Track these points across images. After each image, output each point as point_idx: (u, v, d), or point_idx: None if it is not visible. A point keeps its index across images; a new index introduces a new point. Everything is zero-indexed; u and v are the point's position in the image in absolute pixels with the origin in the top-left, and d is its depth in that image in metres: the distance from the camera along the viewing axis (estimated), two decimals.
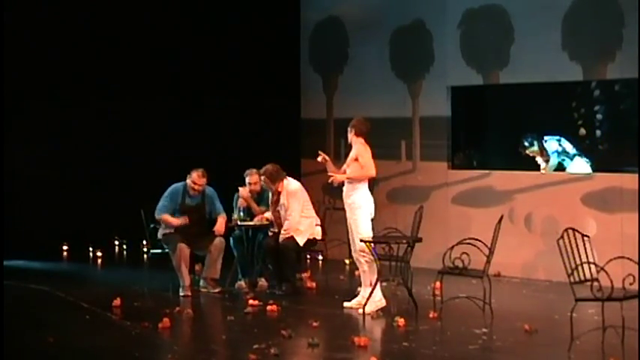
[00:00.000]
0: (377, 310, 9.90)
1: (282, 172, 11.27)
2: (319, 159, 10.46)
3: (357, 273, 10.75)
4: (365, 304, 9.89)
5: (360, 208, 10.00)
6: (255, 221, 11.41)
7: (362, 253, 9.99)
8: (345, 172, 10.17)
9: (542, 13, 12.44)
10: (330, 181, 10.20)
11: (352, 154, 10.13)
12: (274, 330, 9.08)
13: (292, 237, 11.07)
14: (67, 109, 13.97)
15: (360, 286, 10.28)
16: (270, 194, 11.64)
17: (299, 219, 11.08)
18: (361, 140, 10.15)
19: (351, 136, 10.21)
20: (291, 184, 11.26)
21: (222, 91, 14.70)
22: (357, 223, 9.96)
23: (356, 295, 10.28)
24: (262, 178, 11.28)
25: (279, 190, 11.22)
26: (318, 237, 11.35)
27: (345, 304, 10.24)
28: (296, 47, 15.13)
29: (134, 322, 9.48)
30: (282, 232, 11.09)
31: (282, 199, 11.17)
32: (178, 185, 11.33)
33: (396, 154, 13.80)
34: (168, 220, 11.16)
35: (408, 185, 13.68)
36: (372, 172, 10.10)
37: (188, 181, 11.25)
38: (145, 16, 14.38)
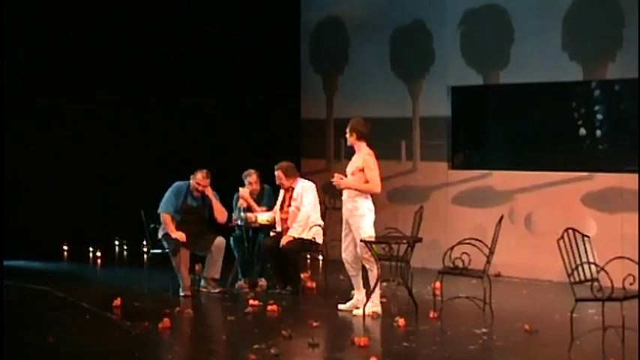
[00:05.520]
0: (373, 312, 9.89)
1: (297, 170, 11.52)
2: (334, 181, 10.27)
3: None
4: (365, 305, 9.87)
5: (364, 216, 9.91)
6: (257, 216, 11.42)
7: (366, 260, 9.91)
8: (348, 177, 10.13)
9: (542, 13, 12.45)
10: (334, 182, 9.94)
11: (359, 164, 9.92)
12: (274, 330, 9.08)
13: (294, 239, 11.10)
14: (67, 110, 13.96)
15: (354, 289, 10.26)
16: (268, 195, 11.67)
17: (310, 214, 11.18)
18: (364, 145, 9.98)
19: (352, 140, 10.01)
20: (306, 182, 11.41)
21: (222, 91, 14.71)
22: (361, 232, 9.89)
23: (350, 299, 10.26)
24: (277, 173, 11.33)
25: (293, 186, 11.27)
26: (318, 239, 11.36)
27: (340, 306, 10.22)
28: (296, 47, 15.13)
29: (134, 322, 9.48)
30: (293, 225, 11.13)
31: (296, 195, 11.23)
32: (182, 183, 11.34)
33: (396, 154, 13.80)
34: (168, 224, 11.15)
35: (408, 185, 13.69)
36: (378, 190, 9.92)
37: (192, 181, 11.26)
38: (146, 16, 14.38)
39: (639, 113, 11.64)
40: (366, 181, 9.88)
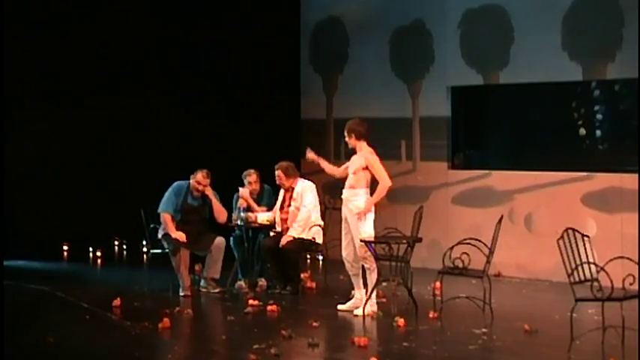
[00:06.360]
0: (373, 311, 9.89)
1: (297, 170, 11.55)
2: (309, 156, 10.46)
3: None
4: (364, 306, 9.87)
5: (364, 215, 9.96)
6: (257, 216, 11.42)
7: (365, 260, 9.92)
8: (339, 170, 10.16)
9: (542, 13, 12.45)
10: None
11: (362, 162, 9.94)
12: (274, 330, 9.08)
13: (293, 239, 11.11)
14: (67, 109, 13.97)
15: (354, 289, 10.26)
16: (268, 195, 11.68)
17: (311, 214, 11.18)
18: (365, 144, 10.01)
19: (352, 141, 10.04)
20: (306, 182, 11.42)
21: (222, 91, 14.71)
22: (361, 231, 9.89)
23: (350, 299, 10.26)
24: (277, 172, 11.34)
25: (293, 186, 11.28)
26: (318, 239, 11.37)
27: (340, 306, 10.21)
28: (296, 47, 15.13)
29: (134, 322, 9.48)
30: (293, 225, 11.14)
31: (296, 195, 11.24)
32: (182, 183, 11.34)
33: (396, 154, 13.80)
34: (168, 223, 11.15)
35: (408, 185, 13.68)
36: (389, 183, 9.92)
37: (192, 181, 11.27)
38: (145, 16, 14.38)
39: (639, 113, 11.64)
40: (372, 178, 9.91)
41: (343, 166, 10.27)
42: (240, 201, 11.54)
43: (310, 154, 10.58)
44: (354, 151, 10.14)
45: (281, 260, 11.17)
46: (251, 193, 11.62)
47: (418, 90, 13.75)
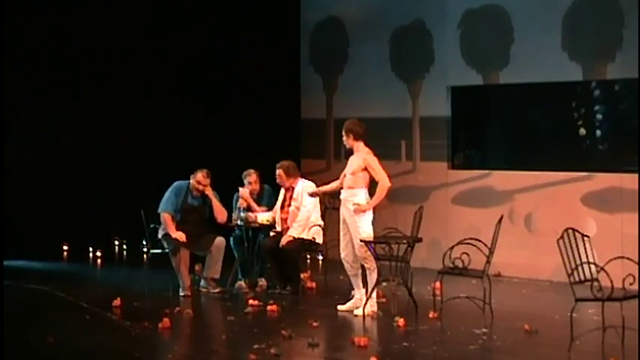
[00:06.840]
0: (373, 311, 9.89)
1: (298, 170, 11.56)
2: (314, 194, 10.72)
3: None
4: (364, 306, 9.87)
5: (363, 215, 9.92)
6: (257, 216, 11.42)
7: (365, 260, 9.93)
8: (339, 181, 10.18)
9: (542, 13, 12.45)
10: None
11: (360, 163, 9.94)
12: (274, 330, 9.08)
13: (293, 238, 11.11)
14: (67, 109, 13.97)
15: (354, 289, 10.26)
16: (268, 195, 11.68)
17: (311, 214, 11.20)
18: (362, 145, 10.02)
19: (350, 142, 10.05)
20: (306, 182, 11.42)
21: (222, 91, 14.70)
22: (360, 231, 9.91)
23: (350, 299, 10.26)
24: (278, 171, 11.34)
25: (293, 185, 11.28)
26: (318, 239, 11.37)
27: (340, 307, 10.21)
28: (296, 47, 15.13)
29: (134, 322, 9.48)
30: (293, 225, 11.15)
31: (296, 195, 11.24)
32: (182, 183, 11.34)
33: (396, 154, 13.80)
34: (168, 223, 11.14)
35: (408, 185, 13.69)
36: (389, 184, 9.93)
37: (192, 180, 11.27)
38: (146, 15, 14.38)
39: (639, 113, 11.64)
40: (371, 179, 9.92)
41: (342, 176, 10.22)
42: (240, 201, 11.54)
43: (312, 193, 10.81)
44: (352, 152, 10.15)
45: (281, 260, 11.17)
46: (251, 193, 11.62)
47: (418, 90, 13.75)
